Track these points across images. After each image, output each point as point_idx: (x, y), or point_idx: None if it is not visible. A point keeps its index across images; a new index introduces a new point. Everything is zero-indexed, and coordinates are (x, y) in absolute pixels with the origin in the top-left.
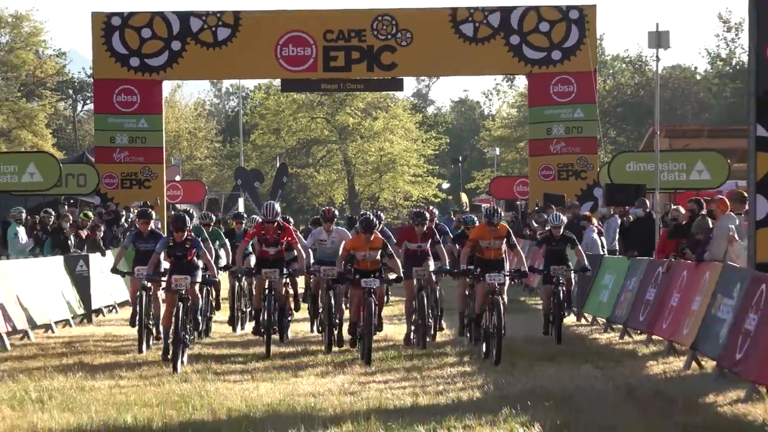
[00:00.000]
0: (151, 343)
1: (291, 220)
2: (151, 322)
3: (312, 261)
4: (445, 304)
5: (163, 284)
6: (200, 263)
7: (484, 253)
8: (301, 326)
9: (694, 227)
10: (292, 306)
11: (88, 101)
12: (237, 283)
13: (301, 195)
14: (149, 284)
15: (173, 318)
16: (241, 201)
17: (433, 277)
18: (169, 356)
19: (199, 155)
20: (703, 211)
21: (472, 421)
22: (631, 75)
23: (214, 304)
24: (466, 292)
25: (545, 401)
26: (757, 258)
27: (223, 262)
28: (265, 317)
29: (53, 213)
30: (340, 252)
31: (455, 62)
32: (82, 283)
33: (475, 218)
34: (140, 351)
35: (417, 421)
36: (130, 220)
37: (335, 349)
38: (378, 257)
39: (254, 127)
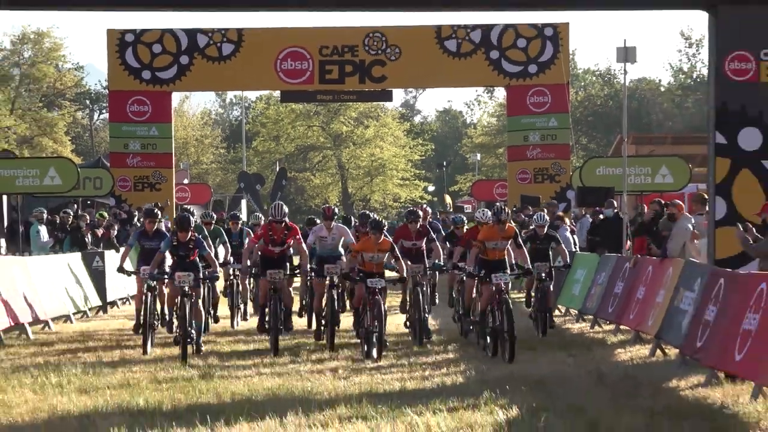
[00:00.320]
0: (154, 342)
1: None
2: (156, 322)
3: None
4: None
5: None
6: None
7: (489, 254)
8: (296, 321)
9: (660, 225)
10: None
11: (104, 111)
12: (235, 281)
13: (299, 197)
14: (154, 283)
15: (178, 314)
16: (243, 202)
17: (428, 274)
18: (174, 333)
19: (206, 160)
20: (667, 211)
21: (455, 404)
22: (601, 87)
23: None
24: (472, 290)
25: (522, 386)
26: (716, 255)
27: (222, 259)
28: (271, 317)
29: (71, 213)
30: (343, 250)
31: (440, 75)
32: (98, 278)
33: (464, 218)
34: (144, 352)
35: (405, 403)
36: (141, 219)
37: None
38: (384, 260)
39: (256, 134)
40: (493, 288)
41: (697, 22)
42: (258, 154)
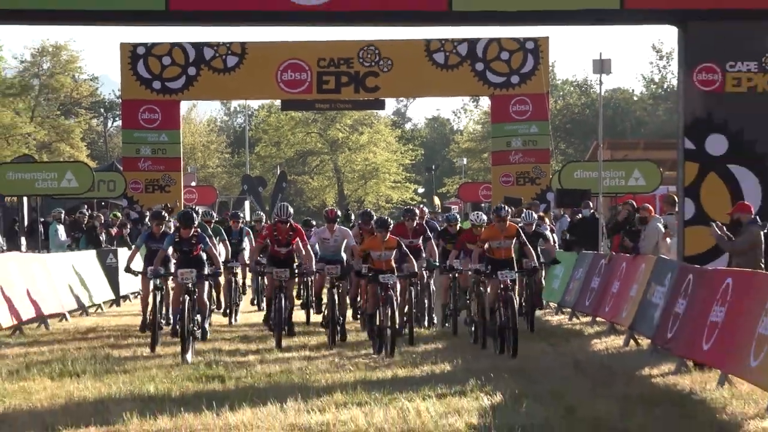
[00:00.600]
0: (160, 341)
1: None
2: (163, 321)
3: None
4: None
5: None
6: (205, 256)
7: (495, 252)
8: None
9: (636, 222)
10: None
11: (117, 118)
12: (233, 278)
13: (298, 198)
14: (159, 282)
15: (181, 309)
16: (247, 203)
17: (425, 272)
18: (178, 335)
19: (211, 164)
20: (638, 215)
21: (443, 391)
22: (578, 96)
23: (214, 297)
24: (451, 285)
25: (505, 374)
26: (685, 252)
27: (221, 257)
28: (276, 313)
29: (87, 213)
30: (346, 251)
31: (429, 85)
32: (111, 273)
33: (458, 216)
34: (152, 350)
35: (397, 390)
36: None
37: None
38: (392, 257)
39: (258, 140)
40: (501, 285)
41: (668, 36)
42: (260, 159)
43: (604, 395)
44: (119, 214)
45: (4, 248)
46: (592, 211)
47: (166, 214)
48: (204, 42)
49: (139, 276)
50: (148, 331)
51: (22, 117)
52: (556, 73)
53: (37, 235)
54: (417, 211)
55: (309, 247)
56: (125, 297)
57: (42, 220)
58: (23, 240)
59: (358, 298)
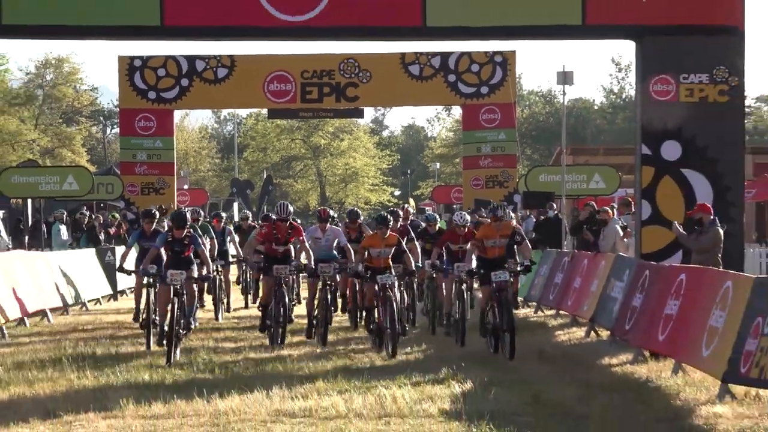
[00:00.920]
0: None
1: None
2: (157, 318)
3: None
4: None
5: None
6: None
7: (488, 252)
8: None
9: (597, 223)
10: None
11: (115, 126)
12: (218, 276)
13: (283, 200)
14: (151, 279)
15: (168, 311)
16: (235, 205)
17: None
18: (165, 344)
19: (203, 168)
20: (599, 217)
21: (418, 379)
22: (543, 106)
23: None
24: (429, 285)
25: (475, 363)
26: (642, 250)
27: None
28: (276, 309)
29: (87, 215)
30: (337, 249)
31: (405, 95)
32: (109, 270)
33: (437, 216)
34: (147, 347)
35: (374, 378)
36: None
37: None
38: (391, 255)
39: (246, 146)
40: (494, 286)
41: (626, 50)
42: (248, 163)
43: (567, 383)
44: (117, 215)
45: (10, 246)
46: (555, 212)
47: (156, 212)
48: (196, 55)
49: (134, 274)
50: (141, 323)
51: (27, 125)
52: (523, 84)
53: (41, 235)
54: (401, 212)
55: (308, 245)
56: (122, 292)
57: (45, 220)
58: (27, 239)
59: (347, 292)
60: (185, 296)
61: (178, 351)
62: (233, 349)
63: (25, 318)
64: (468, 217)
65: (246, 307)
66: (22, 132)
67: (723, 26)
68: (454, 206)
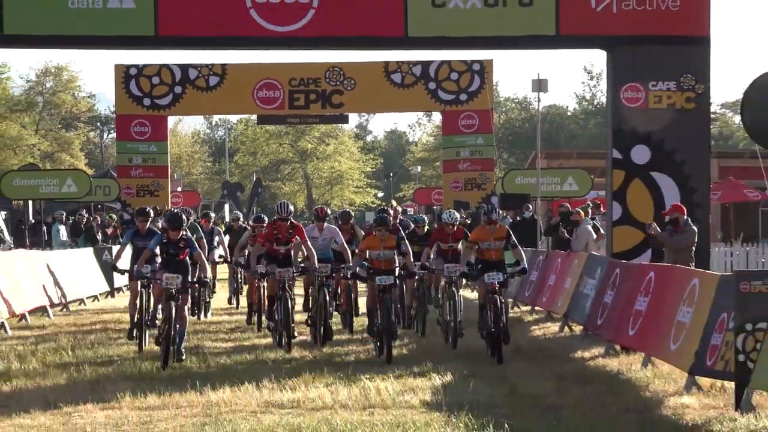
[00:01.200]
0: (148, 341)
1: (266, 218)
2: (149, 322)
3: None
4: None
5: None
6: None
7: (485, 254)
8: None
9: (570, 222)
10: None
11: (112, 131)
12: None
13: (272, 202)
14: (145, 281)
15: (163, 315)
16: (226, 206)
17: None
18: (161, 340)
19: (195, 172)
20: (572, 218)
21: (400, 372)
22: (519, 112)
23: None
24: (418, 287)
25: (454, 357)
26: (613, 249)
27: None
28: (282, 314)
29: (85, 216)
30: (334, 248)
31: (387, 102)
32: (107, 268)
33: (425, 217)
34: (140, 350)
35: (358, 371)
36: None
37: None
38: (392, 256)
39: (236, 150)
40: (487, 288)
41: (598, 59)
42: (238, 167)
43: (542, 375)
44: (114, 216)
45: (12, 246)
46: (531, 213)
47: (150, 211)
48: (189, 64)
49: (125, 275)
50: (135, 339)
51: (28, 130)
52: (500, 92)
53: (41, 234)
54: (391, 212)
55: (309, 245)
56: (119, 289)
57: (45, 221)
58: (28, 238)
59: (340, 293)
60: (179, 303)
61: (183, 351)
62: (226, 346)
63: (27, 314)
64: (457, 215)
65: (237, 308)
66: (23, 137)
67: (690, 36)
68: (435, 207)
